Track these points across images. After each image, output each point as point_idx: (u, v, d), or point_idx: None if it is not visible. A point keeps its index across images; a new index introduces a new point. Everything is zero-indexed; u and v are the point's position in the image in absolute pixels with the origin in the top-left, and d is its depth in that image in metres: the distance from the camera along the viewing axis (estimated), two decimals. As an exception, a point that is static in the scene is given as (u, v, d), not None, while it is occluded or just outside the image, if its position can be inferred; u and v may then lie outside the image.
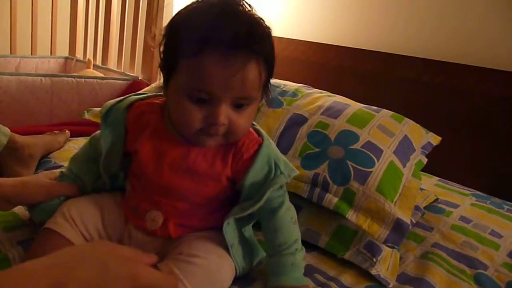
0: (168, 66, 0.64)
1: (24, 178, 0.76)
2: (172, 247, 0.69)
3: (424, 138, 1.09)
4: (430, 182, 1.34)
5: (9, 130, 1.06)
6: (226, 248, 0.69)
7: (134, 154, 0.71)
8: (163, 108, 0.70)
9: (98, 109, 1.16)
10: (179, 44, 0.61)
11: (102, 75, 1.85)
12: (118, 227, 0.72)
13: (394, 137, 0.98)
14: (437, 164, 1.23)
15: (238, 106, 0.63)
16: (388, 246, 0.84)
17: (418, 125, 1.11)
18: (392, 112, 1.07)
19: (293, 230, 0.72)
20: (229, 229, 0.70)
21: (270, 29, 0.64)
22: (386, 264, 0.82)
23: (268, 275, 0.71)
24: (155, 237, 0.71)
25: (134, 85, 1.70)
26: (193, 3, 0.64)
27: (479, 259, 0.92)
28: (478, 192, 1.32)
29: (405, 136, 1.01)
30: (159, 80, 1.77)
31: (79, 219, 0.69)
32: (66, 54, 2.24)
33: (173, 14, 0.65)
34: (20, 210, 0.81)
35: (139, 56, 1.94)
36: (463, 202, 1.21)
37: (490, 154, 1.45)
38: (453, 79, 1.51)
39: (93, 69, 1.98)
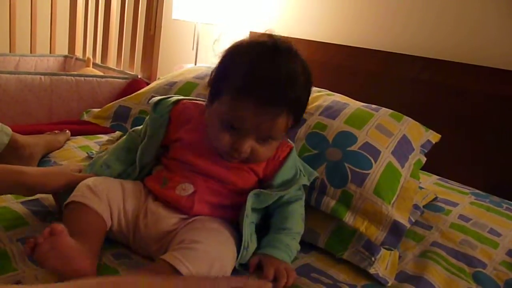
0: (215, 90, 0.75)
1: (47, 168, 0.82)
2: (175, 238, 0.71)
3: (423, 136, 1.08)
4: (429, 181, 1.34)
5: (10, 130, 1.07)
6: (228, 237, 0.72)
7: (175, 142, 0.80)
8: (204, 110, 0.79)
9: (97, 110, 1.16)
10: (225, 81, 0.72)
11: (101, 73, 1.85)
12: (136, 206, 0.76)
13: (392, 137, 0.97)
14: (436, 162, 1.23)
15: (263, 139, 0.73)
16: (385, 249, 0.83)
17: (417, 123, 1.10)
18: (392, 111, 1.07)
19: (299, 223, 0.81)
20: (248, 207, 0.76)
21: (310, 82, 0.75)
22: (384, 263, 0.82)
23: (261, 247, 0.76)
24: (172, 212, 0.74)
25: (134, 84, 1.70)
26: (249, 42, 0.74)
27: (478, 258, 0.92)
28: (477, 191, 1.32)
29: (404, 135, 1.00)
30: (159, 77, 1.77)
31: (105, 195, 0.73)
32: (66, 52, 2.24)
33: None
34: (20, 208, 0.82)
35: (138, 55, 1.93)
36: (462, 200, 1.21)
37: (489, 152, 1.45)
38: (453, 77, 1.51)
39: (92, 67, 1.98)
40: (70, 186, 0.76)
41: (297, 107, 0.73)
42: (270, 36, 0.73)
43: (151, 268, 0.66)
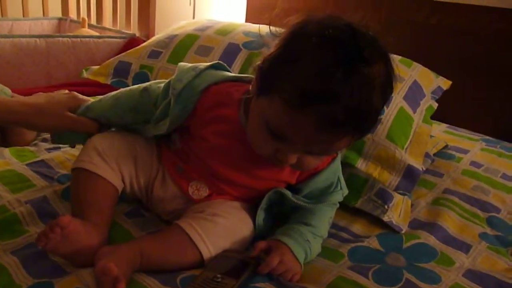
0: (266, 84, 0.58)
1: (42, 106, 0.73)
2: (193, 205, 0.68)
3: (434, 82, 1.06)
4: (438, 129, 1.32)
5: (10, 91, 1.04)
6: (248, 216, 0.68)
7: (199, 137, 0.68)
8: (240, 103, 0.66)
9: (96, 67, 1.13)
10: (282, 79, 0.56)
11: (97, 34, 1.80)
12: (149, 171, 0.71)
13: (403, 82, 0.95)
14: (445, 110, 1.20)
15: (315, 155, 0.61)
16: (399, 193, 0.83)
17: (427, 69, 1.08)
18: (400, 57, 1.04)
19: (325, 225, 0.72)
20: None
21: (391, 89, 0.59)
22: (397, 211, 0.81)
23: (275, 233, 0.68)
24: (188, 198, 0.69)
25: (132, 43, 1.66)
26: (322, 33, 0.55)
27: (491, 203, 0.92)
28: (488, 137, 1.30)
29: (415, 81, 0.98)
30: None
31: (114, 162, 0.68)
32: (59, 14, 2.17)
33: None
34: (25, 170, 0.80)
35: (134, 13, 1.88)
36: (473, 147, 1.20)
37: (500, 98, 1.42)
38: (462, 21, 1.46)
39: (88, 28, 1.92)
40: (64, 130, 0.72)
41: (368, 125, 0.59)
42: (349, 25, 0.56)
43: (163, 235, 0.63)
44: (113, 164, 0.68)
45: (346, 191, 0.74)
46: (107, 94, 0.78)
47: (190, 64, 0.71)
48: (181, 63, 0.72)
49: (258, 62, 0.61)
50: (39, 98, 0.75)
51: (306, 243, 0.66)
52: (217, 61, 0.72)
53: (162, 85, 0.71)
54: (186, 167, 0.69)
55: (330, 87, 0.52)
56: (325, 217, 0.71)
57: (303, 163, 0.60)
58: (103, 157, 0.67)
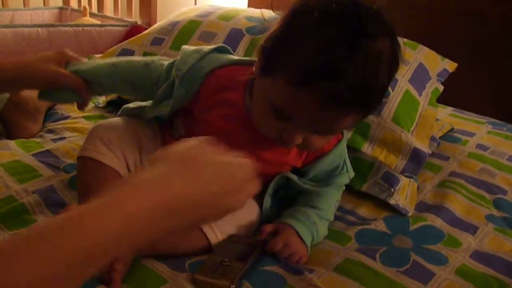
0: (269, 63, 0.57)
1: (29, 61, 0.70)
2: None
3: (439, 65, 1.05)
4: (444, 113, 1.31)
5: None
6: (253, 198, 0.66)
7: (201, 120, 0.67)
8: (245, 86, 0.64)
9: (99, 55, 1.12)
10: (285, 57, 0.55)
11: (99, 22, 1.79)
12: None
13: (409, 65, 0.94)
14: (450, 93, 1.19)
15: (320, 134, 0.59)
16: (405, 176, 0.83)
17: (433, 51, 1.06)
18: (406, 39, 1.02)
19: (332, 208, 0.71)
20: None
21: (397, 65, 0.57)
22: (404, 194, 0.81)
23: (282, 216, 0.68)
24: None
25: (134, 31, 1.65)
26: (325, 6, 0.53)
27: (497, 185, 0.91)
28: (494, 120, 1.29)
29: (420, 63, 0.97)
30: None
31: (120, 151, 0.67)
32: (60, 4, 2.16)
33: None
34: (32, 160, 0.81)
35: (136, 1, 1.87)
36: (479, 130, 1.19)
37: (506, 80, 1.41)
38: (467, 3, 1.43)
39: (89, 17, 1.91)
40: (50, 87, 0.70)
41: (373, 102, 0.57)
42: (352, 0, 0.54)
43: None
44: (117, 152, 0.68)
45: (352, 174, 0.74)
46: (104, 59, 0.74)
47: (193, 47, 0.70)
48: (185, 46, 0.71)
49: (261, 42, 0.60)
50: (28, 58, 0.72)
51: (313, 226, 0.66)
52: (221, 44, 0.71)
53: (166, 63, 0.70)
54: None
55: (334, 64, 0.51)
56: (331, 200, 0.71)
57: (309, 143, 0.59)
58: (107, 146, 0.67)
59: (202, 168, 0.41)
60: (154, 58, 0.72)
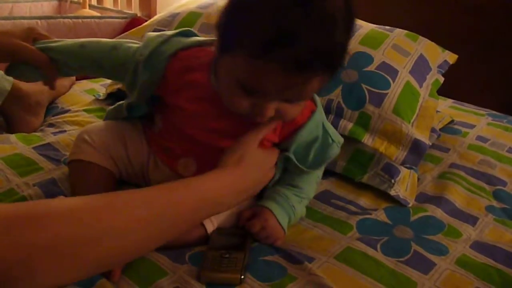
0: (226, 41, 0.56)
1: None
2: None
3: (440, 56, 1.05)
4: (444, 105, 1.31)
5: (12, 81, 1.03)
6: None
7: (173, 106, 0.66)
8: (210, 67, 0.63)
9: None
10: (239, 31, 0.53)
11: (99, 14, 1.78)
12: (141, 156, 0.72)
13: (409, 56, 0.94)
14: (450, 85, 1.19)
15: (290, 102, 0.58)
16: (406, 167, 0.83)
17: (433, 43, 1.06)
18: (406, 31, 1.03)
19: (313, 186, 0.72)
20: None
21: (353, 22, 0.56)
22: (404, 185, 0.81)
23: (261, 198, 0.68)
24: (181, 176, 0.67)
25: (134, 23, 1.64)
26: None
27: (497, 176, 0.92)
28: (494, 112, 1.30)
29: (421, 55, 0.97)
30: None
31: (105, 150, 0.69)
32: (59, -4, 2.15)
33: None
34: (32, 153, 0.81)
35: (135, -8, 1.85)
36: (479, 122, 1.19)
37: (506, 72, 1.41)
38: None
39: (88, 9, 1.90)
40: (13, 61, 0.68)
41: (335, 62, 0.56)
42: None
43: None
44: (104, 152, 0.69)
45: (341, 140, 0.72)
46: (72, 39, 0.73)
47: (157, 33, 0.69)
48: (149, 33, 0.70)
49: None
50: None
51: (290, 208, 0.67)
52: (187, 28, 0.70)
53: (134, 47, 0.69)
54: (170, 145, 0.68)
55: (288, 28, 0.50)
56: (312, 177, 0.71)
57: (283, 113, 0.59)
58: (93, 146, 0.68)
59: (252, 164, 0.60)
60: (123, 41, 0.71)
